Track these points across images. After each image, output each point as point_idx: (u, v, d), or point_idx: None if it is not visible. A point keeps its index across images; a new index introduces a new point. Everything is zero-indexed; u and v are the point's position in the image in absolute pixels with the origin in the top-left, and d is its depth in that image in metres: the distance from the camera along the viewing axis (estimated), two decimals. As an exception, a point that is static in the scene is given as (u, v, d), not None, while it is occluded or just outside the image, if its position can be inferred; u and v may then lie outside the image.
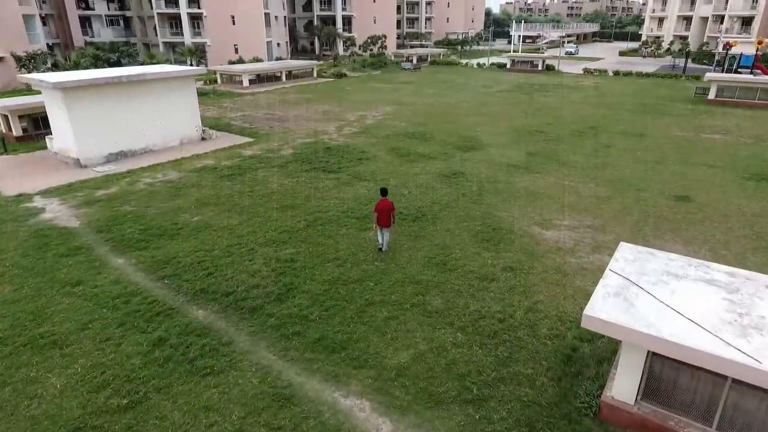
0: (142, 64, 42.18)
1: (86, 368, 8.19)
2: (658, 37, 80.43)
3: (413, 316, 9.73)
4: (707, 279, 7.21)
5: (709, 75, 36.71)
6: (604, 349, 8.59)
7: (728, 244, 12.86)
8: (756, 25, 64.78)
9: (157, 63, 40.11)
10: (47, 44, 49.25)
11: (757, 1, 65.28)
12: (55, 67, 40.16)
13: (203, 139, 24.16)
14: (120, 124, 20.48)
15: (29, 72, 37.97)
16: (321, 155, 21.00)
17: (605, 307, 6.55)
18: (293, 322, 9.49)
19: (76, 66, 37.29)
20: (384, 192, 12.37)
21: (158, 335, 9.01)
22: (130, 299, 10.22)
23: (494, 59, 66.38)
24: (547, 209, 15.19)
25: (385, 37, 74.80)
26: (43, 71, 37.89)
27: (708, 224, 14.13)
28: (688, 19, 78.34)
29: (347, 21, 75.41)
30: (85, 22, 57.74)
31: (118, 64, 42.23)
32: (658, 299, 6.67)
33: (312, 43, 76.89)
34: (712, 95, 34.97)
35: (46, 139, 21.62)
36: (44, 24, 51.27)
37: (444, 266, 11.62)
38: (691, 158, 20.84)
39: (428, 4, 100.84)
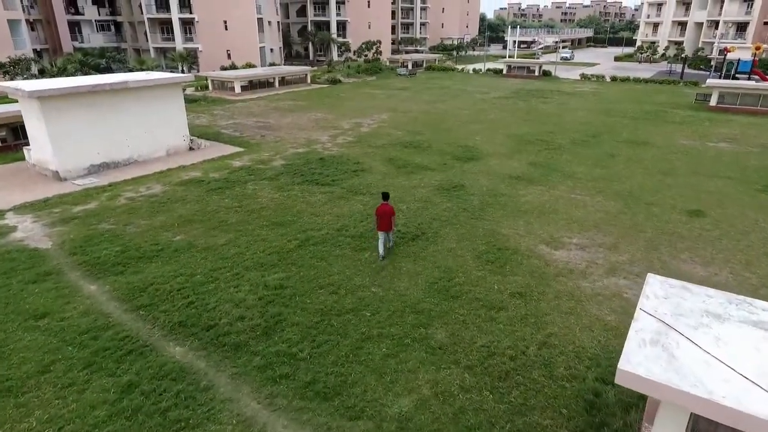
0: (131, 70, 41.09)
1: (42, 422, 7.15)
2: (654, 43, 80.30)
3: (415, 352, 8.76)
4: (754, 321, 6.29)
5: (710, 81, 36.15)
6: (630, 394, 7.64)
7: (751, 265, 11.99)
8: (751, 30, 64.74)
9: (147, 69, 39.06)
10: (35, 50, 48.06)
11: (751, 7, 65.29)
12: (42, 73, 38.98)
13: (191, 149, 23.15)
14: (102, 134, 19.42)
15: (12, 78, 36.78)
16: (314, 166, 20.04)
17: (642, 359, 5.60)
18: (281, 361, 8.49)
19: (63, 72, 36.12)
20: (385, 196, 12.04)
21: (128, 379, 7.98)
22: (99, 334, 9.18)
23: (490, 65, 65.84)
24: (554, 225, 14.29)
25: (380, 42, 74.09)
26: (27, 77, 36.72)
27: (726, 242, 13.27)
28: (682, 25, 78.28)
29: (342, 26, 74.63)
30: (75, 27, 56.49)
31: (107, 70, 41.10)
32: (702, 349, 5.74)
33: (306, 49, 75.99)
34: (713, 102, 34.36)
35: (24, 150, 20.53)
36: (32, 29, 50.02)
37: (447, 293, 10.67)
38: (699, 169, 20.05)
39: (423, 9, 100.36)
